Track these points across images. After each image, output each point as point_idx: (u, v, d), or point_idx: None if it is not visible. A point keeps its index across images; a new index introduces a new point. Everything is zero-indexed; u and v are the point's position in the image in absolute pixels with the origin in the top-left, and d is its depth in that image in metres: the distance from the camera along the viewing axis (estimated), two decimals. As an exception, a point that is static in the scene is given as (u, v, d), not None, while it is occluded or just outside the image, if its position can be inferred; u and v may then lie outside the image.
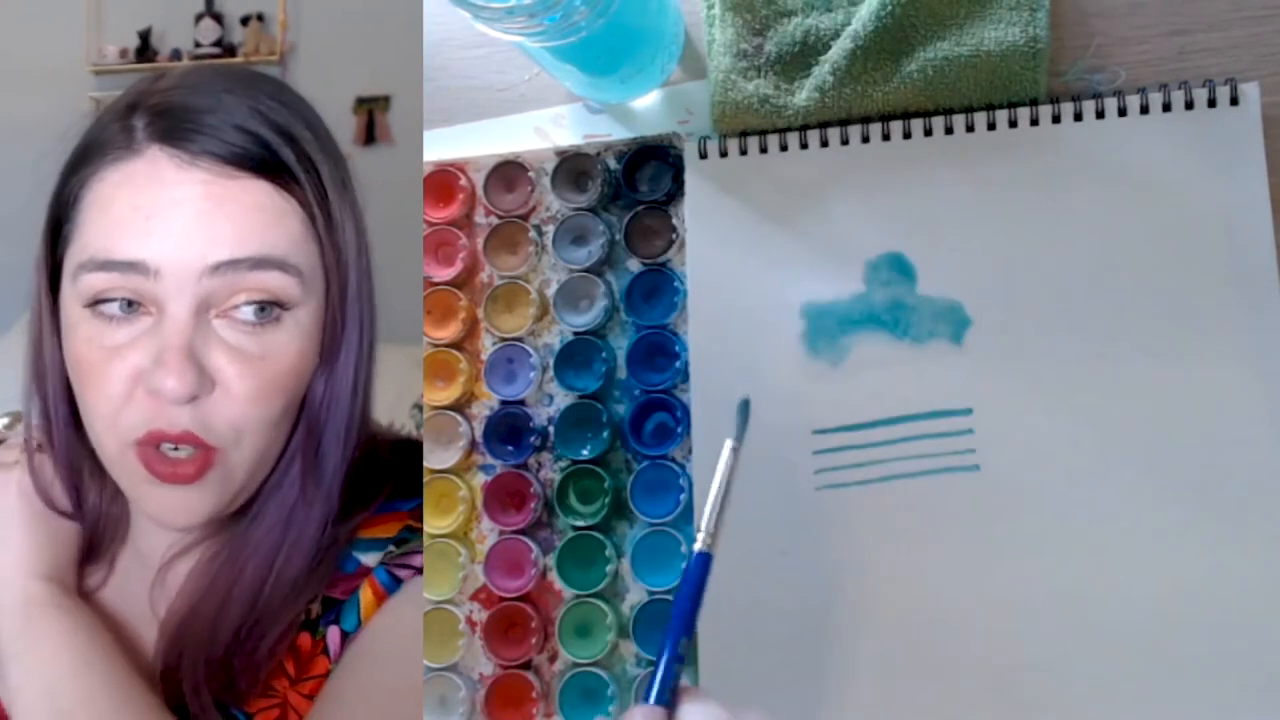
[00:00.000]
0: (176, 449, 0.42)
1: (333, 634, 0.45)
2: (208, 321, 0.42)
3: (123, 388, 0.41)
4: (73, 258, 0.42)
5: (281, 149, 0.42)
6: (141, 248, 0.41)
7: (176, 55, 2.04)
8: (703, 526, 0.50)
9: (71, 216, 0.43)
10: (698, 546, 0.50)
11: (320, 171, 0.44)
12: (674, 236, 0.65)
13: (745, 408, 0.54)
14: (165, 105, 0.42)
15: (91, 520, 0.47)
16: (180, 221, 0.41)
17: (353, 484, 0.46)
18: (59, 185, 0.43)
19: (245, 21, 2.03)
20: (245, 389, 0.42)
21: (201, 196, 0.41)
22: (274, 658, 0.45)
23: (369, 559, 0.46)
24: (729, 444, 0.52)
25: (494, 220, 0.68)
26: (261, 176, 0.42)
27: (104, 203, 0.42)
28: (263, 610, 0.45)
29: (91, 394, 0.42)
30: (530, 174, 0.68)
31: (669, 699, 0.45)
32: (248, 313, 0.42)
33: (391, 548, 0.46)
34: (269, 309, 0.42)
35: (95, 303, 0.42)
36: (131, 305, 0.42)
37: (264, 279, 0.42)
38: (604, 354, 0.65)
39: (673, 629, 0.48)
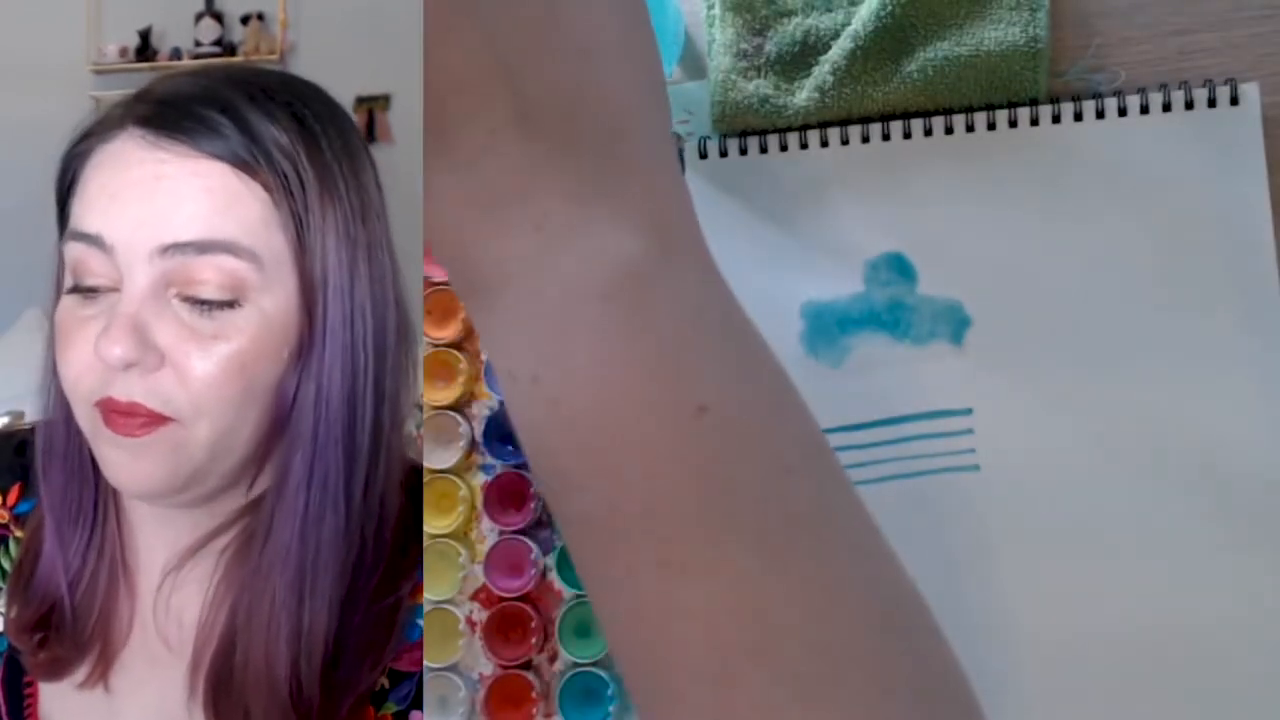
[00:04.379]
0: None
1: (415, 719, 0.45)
2: (167, 300, 0.42)
3: (85, 353, 0.42)
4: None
5: (247, 132, 0.42)
6: (101, 223, 0.42)
7: (176, 54, 2.03)
8: None
9: (70, 192, 0.44)
10: None
11: (299, 160, 0.43)
12: (674, 236, 0.65)
13: None
14: (157, 92, 0.44)
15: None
16: (134, 202, 0.42)
17: (400, 529, 0.46)
18: (60, 167, 0.44)
19: (245, 20, 2.03)
20: (198, 368, 0.42)
21: (155, 177, 0.42)
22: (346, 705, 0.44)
23: None
24: None
25: (494, 220, 0.68)
26: (220, 159, 0.42)
27: (85, 181, 0.43)
28: (312, 633, 0.43)
29: (61, 357, 0.43)
30: (530, 174, 0.68)
31: None
32: (205, 293, 0.42)
33: None
34: (225, 291, 0.42)
35: (74, 285, 0.43)
36: (95, 290, 0.43)
37: (215, 262, 0.42)
38: (604, 354, 0.65)
39: None
